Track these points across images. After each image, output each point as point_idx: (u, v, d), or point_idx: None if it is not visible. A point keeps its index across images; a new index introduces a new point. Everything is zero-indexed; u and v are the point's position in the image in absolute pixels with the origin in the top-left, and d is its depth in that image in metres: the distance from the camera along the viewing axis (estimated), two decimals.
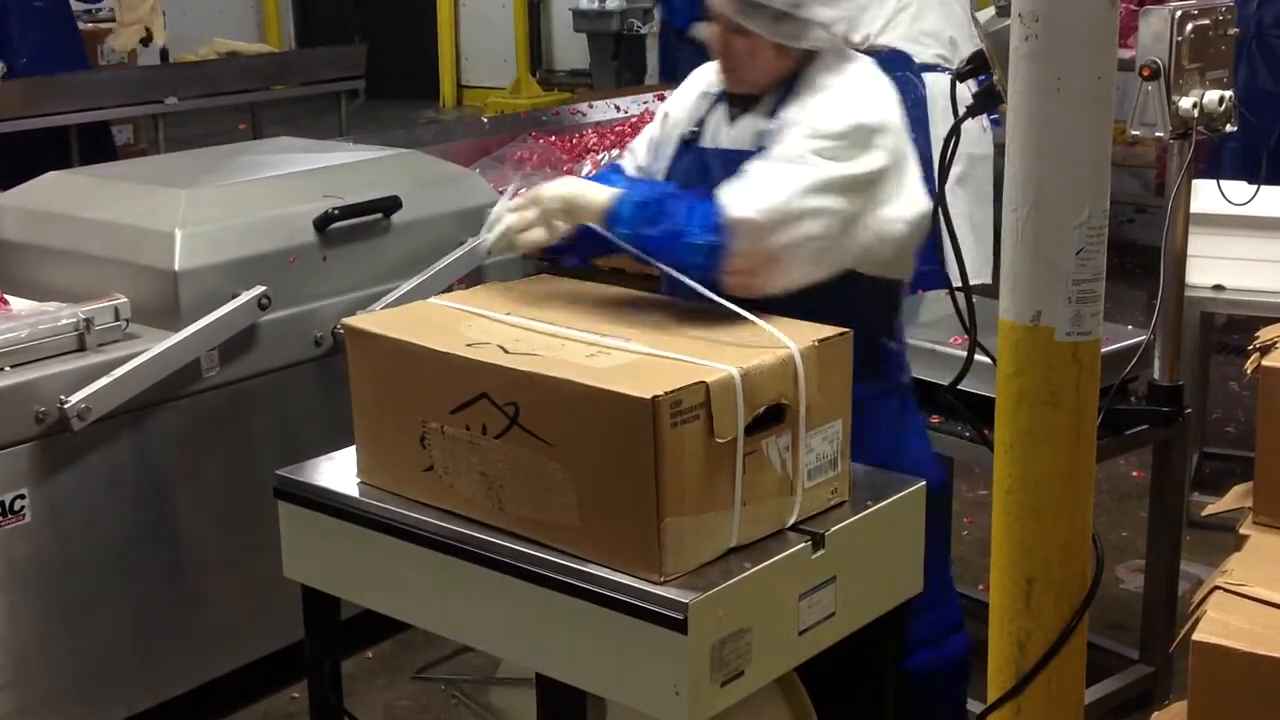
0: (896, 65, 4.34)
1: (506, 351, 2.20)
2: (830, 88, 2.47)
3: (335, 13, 14.12)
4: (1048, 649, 1.73)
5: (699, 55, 2.71)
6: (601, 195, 2.43)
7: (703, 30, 2.56)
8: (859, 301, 2.44)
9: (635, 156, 2.79)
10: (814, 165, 2.36)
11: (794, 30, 2.46)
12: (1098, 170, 1.65)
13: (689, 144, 2.65)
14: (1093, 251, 1.66)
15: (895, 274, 2.55)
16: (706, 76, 2.69)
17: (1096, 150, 1.64)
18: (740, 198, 2.35)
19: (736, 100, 2.60)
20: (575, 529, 2.12)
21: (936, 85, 4.33)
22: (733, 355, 2.13)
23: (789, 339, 2.19)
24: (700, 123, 2.64)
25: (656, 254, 2.37)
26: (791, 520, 2.21)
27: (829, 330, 2.24)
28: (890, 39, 4.33)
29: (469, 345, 2.25)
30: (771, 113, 2.52)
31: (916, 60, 4.34)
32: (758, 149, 2.47)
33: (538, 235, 2.49)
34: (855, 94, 2.47)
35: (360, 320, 2.46)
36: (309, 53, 11.34)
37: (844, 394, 2.24)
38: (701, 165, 2.61)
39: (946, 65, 4.37)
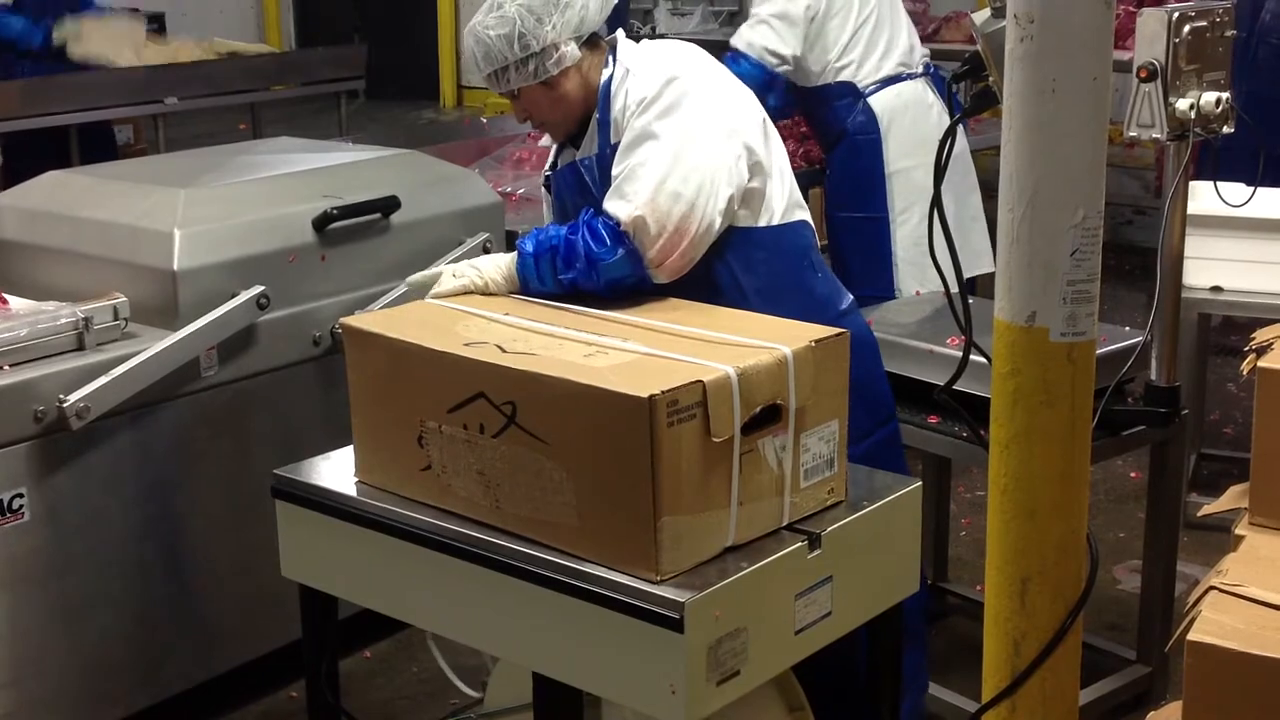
0: (845, 95, 4.39)
1: (504, 351, 2.21)
2: (628, 68, 2.66)
3: (335, 13, 14.12)
4: (1042, 648, 1.74)
5: None
6: (501, 266, 2.60)
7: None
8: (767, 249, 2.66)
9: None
10: (657, 136, 2.54)
11: (540, 64, 2.65)
12: (1093, 171, 1.65)
13: (551, 186, 2.88)
14: (1087, 252, 1.67)
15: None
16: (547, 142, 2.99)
17: (1092, 151, 1.64)
18: (619, 202, 2.54)
19: (570, 142, 2.82)
20: (573, 528, 2.12)
21: (899, 97, 4.36)
22: (728, 355, 2.14)
23: (784, 338, 2.19)
24: (553, 166, 2.89)
25: (584, 286, 2.53)
26: (788, 520, 2.21)
27: (825, 331, 2.25)
28: (852, 58, 4.35)
29: (466, 345, 2.25)
30: (599, 126, 2.69)
31: (876, 76, 4.36)
32: (596, 154, 2.69)
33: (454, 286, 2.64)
34: (646, 62, 2.66)
35: (358, 320, 2.47)
36: (309, 53, 11.33)
37: (840, 394, 2.25)
38: (570, 181, 2.79)
39: (909, 73, 4.40)
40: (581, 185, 2.75)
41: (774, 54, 4.32)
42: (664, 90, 2.58)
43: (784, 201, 2.69)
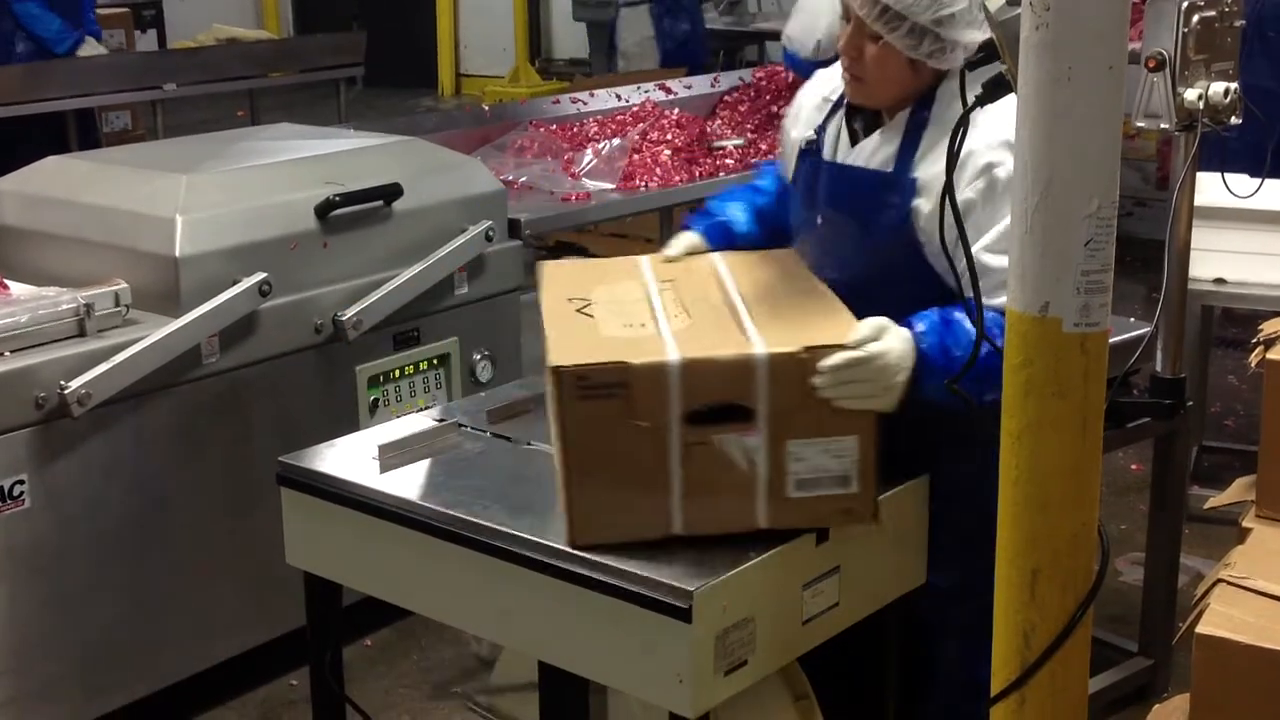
0: None
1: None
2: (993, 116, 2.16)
3: (333, 0, 14.09)
4: (1052, 640, 1.72)
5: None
6: (905, 369, 2.14)
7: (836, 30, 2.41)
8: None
9: (779, 162, 2.69)
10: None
11: (934, 49, 2.27)
12: (1108, 161, 1.64)
13: (807, 153, 2.51)
14: (1102, 242, 1.65)
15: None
16: (830, 82, 2.54)
17: (1107, 141, 1.63)
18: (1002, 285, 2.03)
19: (856, 114, 2.44)
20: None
21: None
22: (723, 343, 2.10)
23: (775, 340, 2.10)
24: (820, 129, 2.49)
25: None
26: (766, 524, 2.13)
27: (847, 326, 2.14)
28: None
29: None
30: (907, 134, 2.34)
31: None
32: (889, 172, 2.34)
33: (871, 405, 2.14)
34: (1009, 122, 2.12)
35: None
36: (308, 40, 11.29)
37: (863, 412, 2.10)
38: (820, 177, 2.46)
39: None
40: (850, 183, 2.41)
41: (803, 44, 4.32)
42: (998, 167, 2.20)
43: None
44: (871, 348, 2.10)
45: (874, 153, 2.39)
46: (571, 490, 2.10)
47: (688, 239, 2.59)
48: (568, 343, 2.14)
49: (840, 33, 2.37)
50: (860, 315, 2.19)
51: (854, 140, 2.43)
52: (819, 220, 2.45)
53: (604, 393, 2.03)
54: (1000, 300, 2.07)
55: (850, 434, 2.10)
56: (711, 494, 2.10)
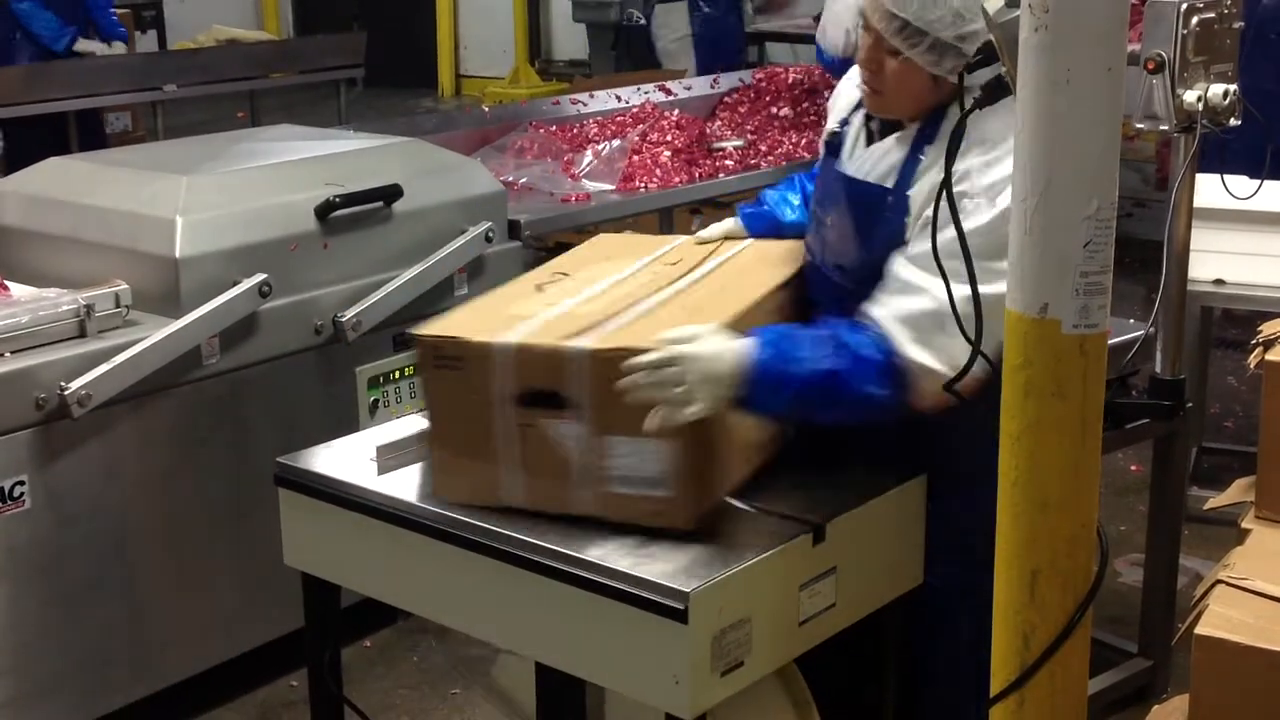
0: None
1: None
2: (996, 151, 2.12)
3: (334, 1, 14.09)
4: (1052, 641, 1.73)
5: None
6: (734, 371, 2.07)
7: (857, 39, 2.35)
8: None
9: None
10: (991, 278, 1.93)
11: (956, 64, 2.15)
12: (1107, 162, 1.64)
13: (830, 148, 2.44)
14: (1101, 243, 1.65)
15: None
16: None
17: (1106, 142, 1.63)
18: (911, 339, 2.09)
19: (874, 118, 2.36)
20: None
21: None
22: (566, 332, 2.14)
23: (619, 336, 2.13)
24: (844, 123, 2.43)
25: (832, 421, 2.17)
26: (594, 511, 2.17)
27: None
28: None
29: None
30: (912, 148, 2.27)
31: None
32: (889, 187, 2.27)
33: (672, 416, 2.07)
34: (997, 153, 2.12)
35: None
36: (308, 41, 11.31)
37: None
38: (829, 179, 2.41)
39: None
40: (850, 193, 2.34)
41: (835, 45, 4.34)
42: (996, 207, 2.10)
43: None
44: (675, 350, 2.03)
45: (881, 158, 2.32)
46: (432, 450, 2.29)
47: (726, 225, 2.64)
48: (462, 314, 2.34)
49: (861, 43, 2.30)
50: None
51: (870, 140, 2.37)
52: (827, 220, 2.43)
53: (451, 364, 2.19)
54: (892, 309, 2.13)
55: (665, 438, 2.09)
56: (543, 475, 2.18)
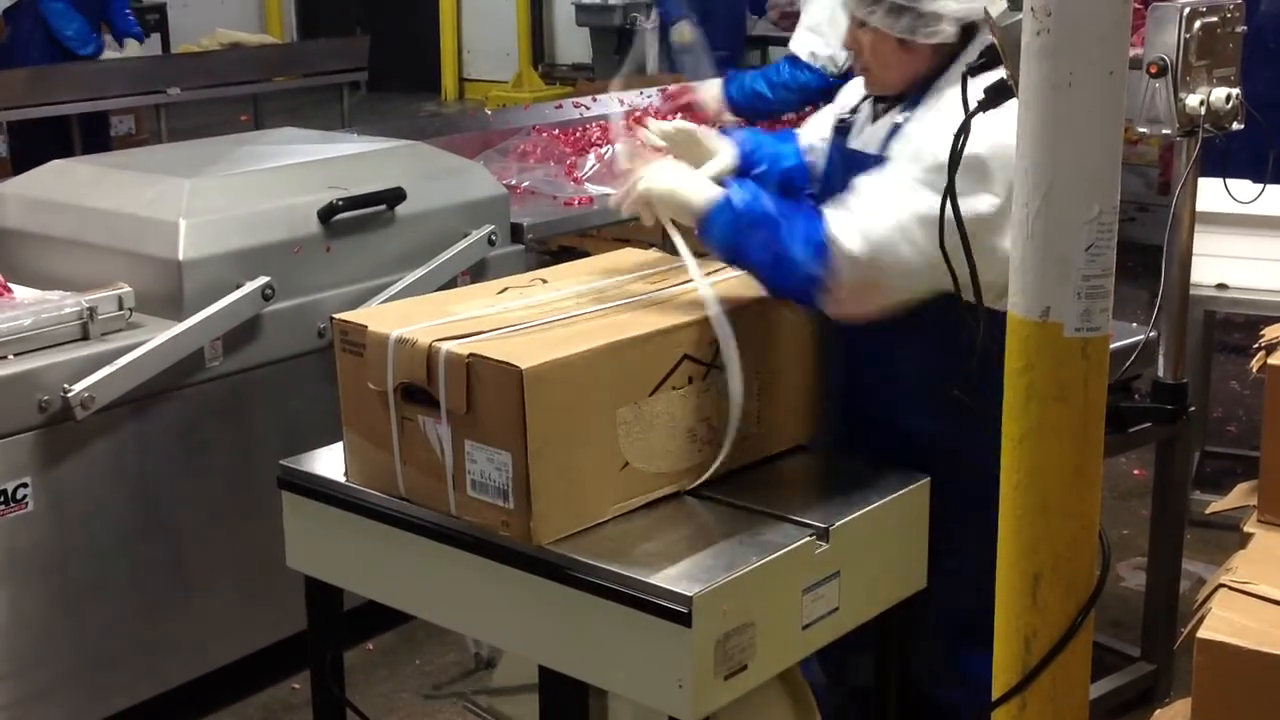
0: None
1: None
2: (950, 103, 2.24)
3: (337, 4, 14.10)
4: (1054, 645, 1.73)
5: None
6: (699, 198, 2.33)
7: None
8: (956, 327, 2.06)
9: (809, 131, 2.74)
10: (921, 196, 2.21)
11: (913, 24, 2.36)
12: (1108, 166, 1.64)
13: (839, 131, 2.59)
14: (1103, 247, 1.66)
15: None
16: (851, 93, 2.65)
17: (1108, 146, 1.63)
18: (846, 225, 2.25)
19: (879, 98, 2.51)
20: None
21: None
22: (442, 334, 2.18)
23: (476, 343, 2.15)
24: (856, 110, 2.58)
25: (752, 266, 2.32)
26: (455, 512, 2.21)
27: (547, 357, 2.11)
28: None
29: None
30: (907, 109, 2.42)
31: None
32: (877, 154, 2.41)
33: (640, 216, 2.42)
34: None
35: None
36: (311, 44, 11.34)
37: (511, 430, 2.09)
38: (837, 162, 2.55)
39: None
40: (848, 163, 2.49)
41: (832, 60, 4.31)
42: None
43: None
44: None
45: (875, 131, 2.48)
46: (344, 432, 2.36)
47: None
48: (403, 303, 2.56)
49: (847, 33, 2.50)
50: None
51: (875, 120, 2.52)
52: (834, 196, 2.45)
53: (354, 349, 2.28)
54: (837, 215, 2.28)
55: (506, 449, 2.11)
56: (420, 470, 2.23)
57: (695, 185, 2.37)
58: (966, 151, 1.97)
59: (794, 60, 4.35)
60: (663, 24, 8.71)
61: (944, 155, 2.02)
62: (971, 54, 2.30)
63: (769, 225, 2.27)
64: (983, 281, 1.95)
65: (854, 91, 2.63)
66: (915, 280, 2.26)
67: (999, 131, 2.07)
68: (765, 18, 9.83)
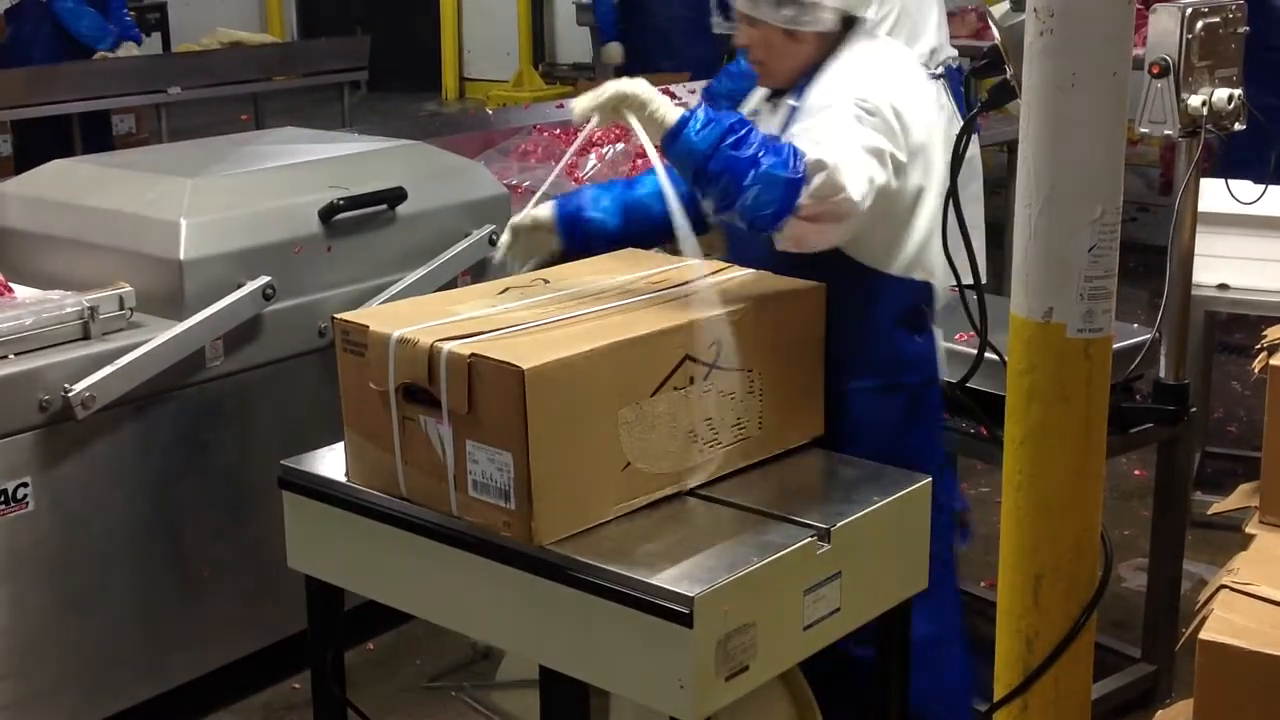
0: None
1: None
2: (861, 63, 2.50)
3: (338, 4, 14.10)
4: (1055, 646, 1.73)
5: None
6: (673, 109, 2.36)
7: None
8: (858, 288, 2.51)
9: None
10: (868, 127, 2.37)
11: (796, 14, 2.51)
12: (1111, 167, 1.64)
13: None
14: (1105, 248, 1.66)
15: (900, 270, 2.55)
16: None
17: (1110, 147, 1.64)
18: (811, 144, 2.33)
19: (775, 92, 2.65)
20: None
21: None
22: (444, 335, 2.18)
23: (479, 343, 2.15)
24: (756, 112, 2.67)
25: (724, 177, 2.30)
26: (458, 512, 2.21)
27: (549, 357, 2.11)
28: None
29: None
30: (799, 95, 2.55)
31: None
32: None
33: (592, 116, 2.40)
34: (888, 72, 2.49)
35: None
36: (311, 44, 11.32)
37: (512, 429, 2.09)
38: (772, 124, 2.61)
39: (927, 74, 4.42)
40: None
41: None
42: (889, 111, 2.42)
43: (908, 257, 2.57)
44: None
45: (771, 120, 2.59)
46: (346, 433, 2.36)
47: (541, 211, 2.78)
48: (403, 303, 2.56)
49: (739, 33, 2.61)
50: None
51: (774, 110, 2.64)
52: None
53: (356, 349, 2.27)
54: (799, 138, 2.37)
55: (507, 449, 2.11)
56: (422, 470, 2.23)
57: (666, 100, 2.38)
58: (888, 99, 2.33)
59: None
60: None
61: (875, 101, 2.36)
62: (856, 40, 2.54)
63: (743, 136, 2.30)
64: (895, 249, 2.08)
65: (751, 102, 2.74)
66: (865, 205, 2.34)
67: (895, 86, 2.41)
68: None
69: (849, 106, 2.39)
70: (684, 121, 2.31)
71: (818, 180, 2.29)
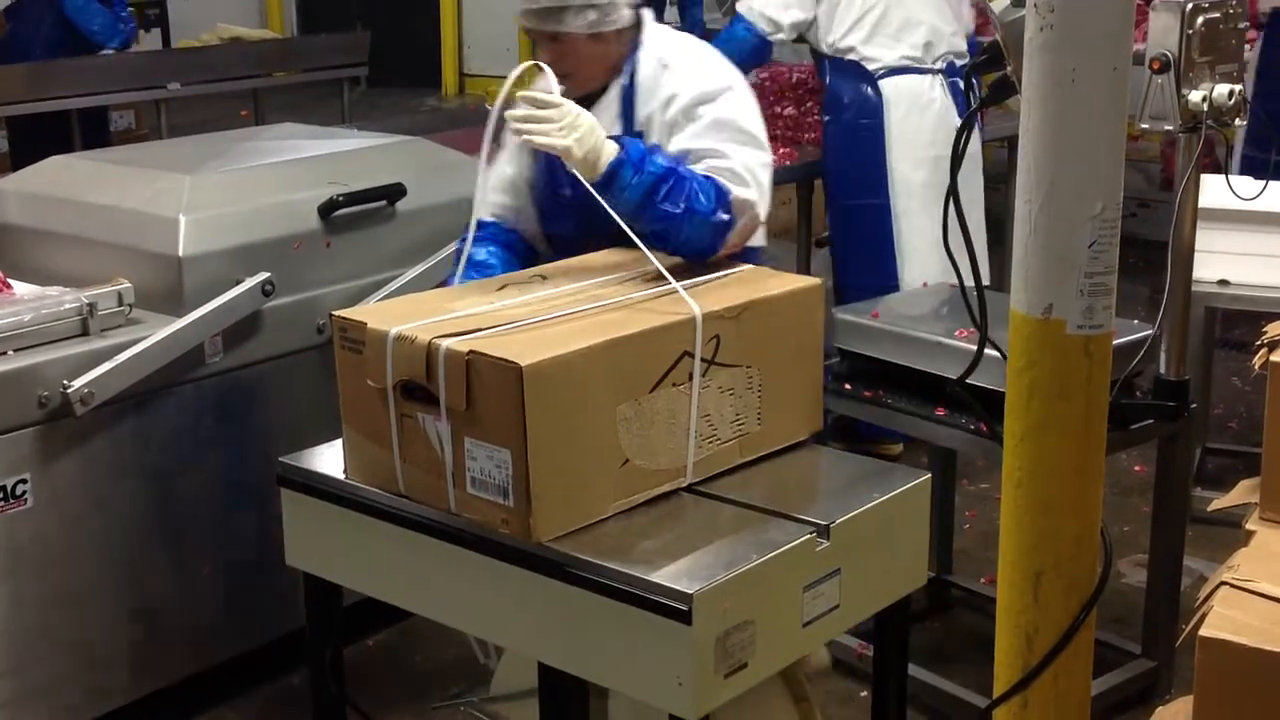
0: (851, 76, 4.46)
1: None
2: (664, 61, 2.70)
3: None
4: (1055, 642, 1.73)
5: None
6: (612, 150, 2.46)
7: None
8: None
9: (494, 204, 2.92)
10: (760, 147, 2.63)
11: (599, 19, 2.66)
12: (1112, 163, 1.64)
13: (558, 169, 2.71)
14: (1105, 244, 1.65)
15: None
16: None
17: (1111, 142, 1.63)
18: (735, 185, 2.55)
19: (580, 100, 2.63)
20: None
21: (897, 89, 4.41)
22: (439, 331, 2.18)
23: (475, 340, 2.14)
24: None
25: (658, 225, 2.46)
26: (456, 510, 2.21)
27: (547, 354, 2.11)
28: (854, 41, 4.41)
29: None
30: (621, 104, 2.71)
31: (880, 63, 4.41)
32: (620, 134, 2.65)
33: (549, 140, 2.46)
34: (689, 61, 2.71)
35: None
36: (311, 39, 11.31)
37: (511, 427, 2.09)
38: (564, 180, 2.70)
39: (916, 66, 4.42)
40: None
41: (771, 21, 4.46)
42: (721, 96, 2.66)
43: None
44: (567, 102, 2.44)
45: (605, 115, 2.69)
46: (344, 430, 2.36)
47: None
48: (401, 300, 2.61)
49: (539, 52, 2.73)
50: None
51: None
52: (568, 192, 2.69)
53: (353, 347, 2.28)
54: (717, 170, 2.57)
55: (505, 446, 2.11)
56: (420, 467, 2.23)
57: (594, 142, 2.46)
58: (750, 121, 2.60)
59: (738, 18, 4.52)
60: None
61: (745, 126, 2.61)
62: (649, 28, 2.72)
63: (674, 187, 2.46)
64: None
65: (510, 143, 2.87)
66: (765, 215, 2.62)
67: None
68: None
69: (729, 128, 2.60)
70: (613, 171, 2.42)
71: (745, 219, 2.54)
